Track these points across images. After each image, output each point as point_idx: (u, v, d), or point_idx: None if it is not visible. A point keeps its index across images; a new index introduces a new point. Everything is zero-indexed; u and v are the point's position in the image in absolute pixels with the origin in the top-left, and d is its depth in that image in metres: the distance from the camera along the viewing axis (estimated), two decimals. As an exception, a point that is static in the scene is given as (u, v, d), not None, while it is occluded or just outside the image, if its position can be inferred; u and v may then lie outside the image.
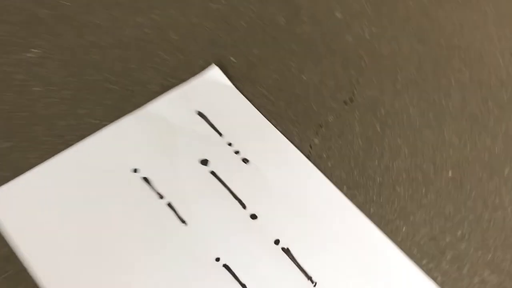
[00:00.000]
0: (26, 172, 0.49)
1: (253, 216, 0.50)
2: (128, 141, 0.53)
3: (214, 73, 0.58)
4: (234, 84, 0.58)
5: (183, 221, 0.49)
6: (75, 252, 0.45)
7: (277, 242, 0.48)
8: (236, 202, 0.50)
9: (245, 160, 0.53)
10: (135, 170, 0.51)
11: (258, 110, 0.57)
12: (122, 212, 0.48)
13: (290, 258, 0.47)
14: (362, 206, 0.52)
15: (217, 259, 0.47)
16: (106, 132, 0.53)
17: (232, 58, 0.61)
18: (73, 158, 0.51)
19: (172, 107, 0.56)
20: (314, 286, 0.46)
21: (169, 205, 0.49)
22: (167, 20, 0.63)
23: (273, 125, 0.56)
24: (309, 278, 0.46)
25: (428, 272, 0.48)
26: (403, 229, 0.51)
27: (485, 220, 0.52)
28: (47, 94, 0.55)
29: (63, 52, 0.58)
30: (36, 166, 0.49)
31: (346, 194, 0.52)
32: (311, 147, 0.55)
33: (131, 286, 0.44)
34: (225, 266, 0.46)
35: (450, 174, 0.55)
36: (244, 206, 0.50)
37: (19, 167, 0.49)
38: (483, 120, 0.58)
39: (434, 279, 0.48)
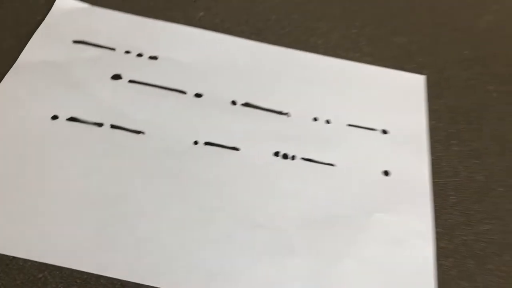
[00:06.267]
0: None
1: (198, 95, 0.48)
2: (23, 96, 0.45)
3: (65, 3, 0.52)
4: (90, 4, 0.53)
5: (138, 132, 0.44)
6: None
7: (234, 102, 0.47)
8: (173, 92, 0.47)
9: (153, 57, 0.50)
10: (55, 117, 0.44)
11: (132, 14, 0.53)
12: (73, 161, 0.42)
13: (255, 107, 0.47)
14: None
15: (195, 143, 0.44)
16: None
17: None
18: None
19: (45, 47, 0.49)
20: (288, 115, 0.47)
21: (113, 126, 0.44)
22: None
23: (152, 18, 0.53)
24: (285, 113, 0.47)
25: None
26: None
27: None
28: None
29: None
30: None
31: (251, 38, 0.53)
32: (200, 20, 0.54)
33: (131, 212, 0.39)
34: (208, 144, 0.44)
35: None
36: (183, 92, 0.48)
37: None
38: None
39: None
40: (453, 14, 0.59)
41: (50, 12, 0.52)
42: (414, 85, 0.51)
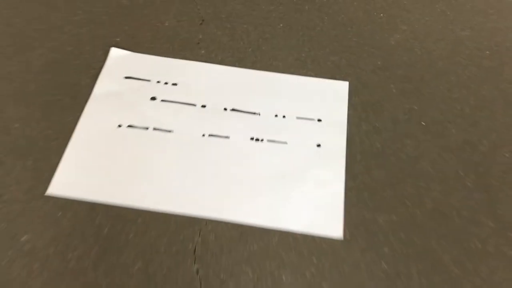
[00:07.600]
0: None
1: (203, 106, 0.78)
2: (99, 114, 0.76)
3: (116, 52, 0.83)
4: (131, 51, 0.83)
5: (169, 131, 0.75)
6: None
7: (225, 109, 0.78)
8: (188, 105, 0.78)
9: (174, 84, 0.80)
10: (119, 125, 0.75)
11: (158, 56, 0.83)
12: (132, 151, 0.73)
13: (238, 111, 0.77)
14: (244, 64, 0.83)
15: (203, 135, 0.75)
16: (84, 116, 0.75)
17: (117, 39, 0.85)
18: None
19: (107, 82, 0.79)
20: (259, 114, 0.77)
21: (155, 128, 0.75)
22: (66, 42, 0.84)
23: (171, 57, 0.83)
24: (257, 113, 0.77)
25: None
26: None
27: None
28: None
29: None
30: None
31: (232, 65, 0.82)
32: (202, 56, 0.84)
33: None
34: (211, 135, 0.75)
35: None
36: (194, 105, 0.78)
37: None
38: None
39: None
40: (372, 36, 0.88)
41: (107, 59, 0.82)
42: (341, 88, 0.81)
